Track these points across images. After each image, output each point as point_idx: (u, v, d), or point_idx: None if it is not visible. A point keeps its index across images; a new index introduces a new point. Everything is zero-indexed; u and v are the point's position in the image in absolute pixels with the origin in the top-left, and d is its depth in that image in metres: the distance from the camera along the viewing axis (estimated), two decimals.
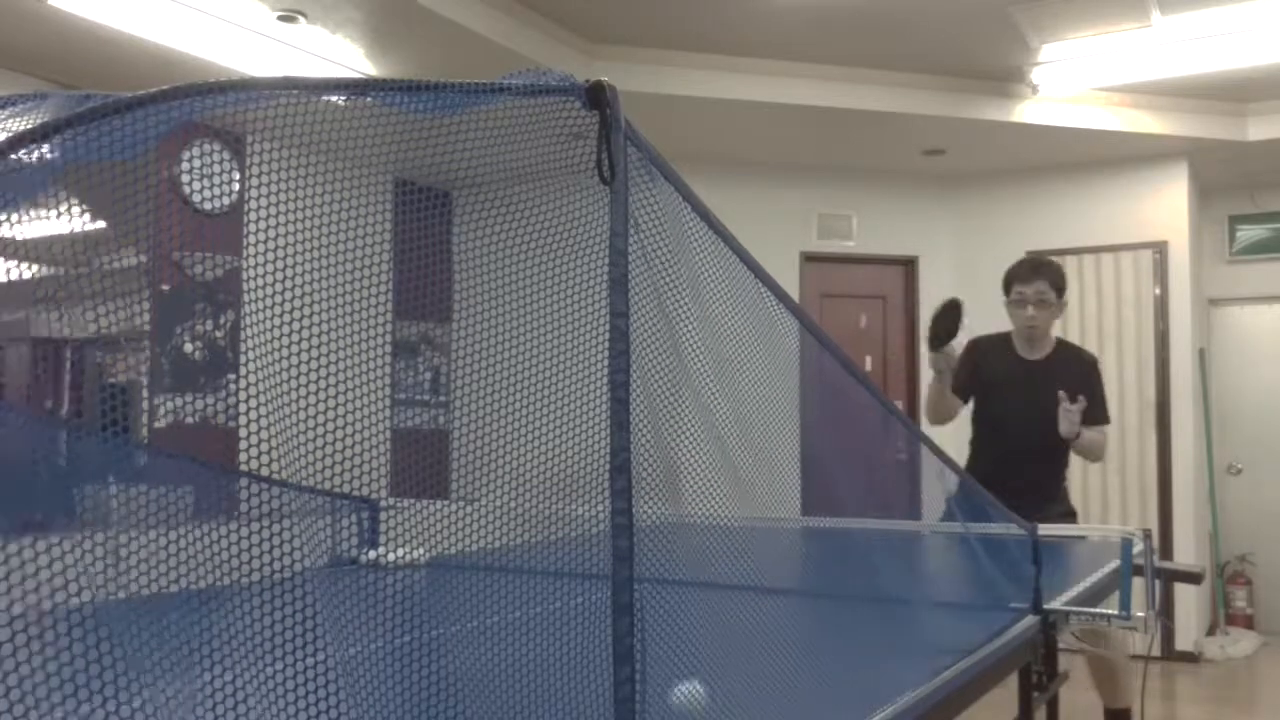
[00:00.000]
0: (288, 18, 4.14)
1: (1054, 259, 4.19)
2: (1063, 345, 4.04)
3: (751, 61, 5.27)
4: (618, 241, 1.16)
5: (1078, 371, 3.89)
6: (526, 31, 4.65)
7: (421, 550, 2.42)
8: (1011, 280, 3.97)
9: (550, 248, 1.29)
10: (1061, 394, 3.65)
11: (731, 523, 1.51)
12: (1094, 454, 3.95)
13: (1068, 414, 3.64)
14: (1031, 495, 3.33)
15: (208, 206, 4.90)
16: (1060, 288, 3.93)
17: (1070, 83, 5.40)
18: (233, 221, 5.02)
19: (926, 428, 4.16)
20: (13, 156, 0.86)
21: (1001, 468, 3.63)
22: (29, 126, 0.87)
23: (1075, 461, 6.21)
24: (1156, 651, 6.00)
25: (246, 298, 1.07)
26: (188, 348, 4.96)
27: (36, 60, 4.36)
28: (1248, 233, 6.97)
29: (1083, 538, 3.63)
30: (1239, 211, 6.96)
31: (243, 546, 1.14)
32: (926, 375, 4.24)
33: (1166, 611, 5.91)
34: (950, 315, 3.67)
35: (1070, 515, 3.98)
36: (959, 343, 3.64)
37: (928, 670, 1.74)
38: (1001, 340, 4.05)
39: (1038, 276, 3.91)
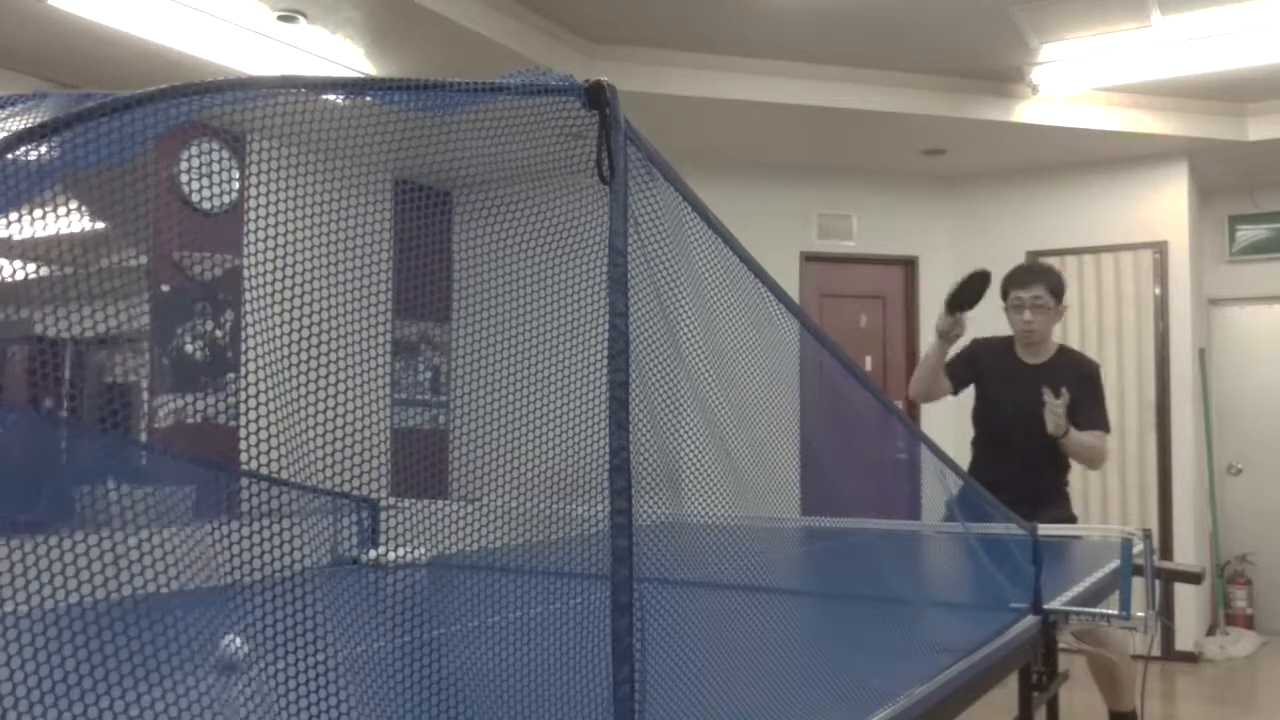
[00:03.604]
0: (288, 18, 4.14)
1: (1052, 265, 4.20)
2: (1064, 352, 4.04)
3: (751, 61, 5.27)
4: (617, 241, 1.16)
5: (1075, 378, 3.89)
6: (527, 31, 4.65)
7: (421, 550, 2.42)
8: (1009, 286, 4.00)
9: (550, 247, 1.29)
10: (1045, 390, 3.66)
11: (732, 522, 1.51)
12: (1090, 459, 3.93)
13: (1053, 409, 3.65)
14: (1029, 498, 3.31)
15: (208, 206, 4.90)
16: (1058, 293, 3.95)
17: (1070, 83, 5.40)
18: (233, 221, 5.02)
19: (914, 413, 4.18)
20: (12, 156, 0.86)
21: (999, 470, 3.64)
22: (29, 126, 0.87)
23: (1075, 463, 6.28)
24: (1156, 651, 6.00)
25: (247, 297, 1.07)
26: (188, 347, 4.96)
27: (36, 60, 4.36)
28: (1248, 233, 6.97)
29: (1082, 538, 3.63)
30: (1239, 211, 6.96)
31: (244, 546, 1.14)
32: None
33: (1166, 611, 5.91)
34: (978, 284, 3.74)
35: (1069, 521, 3.97)
36: (969, 317, 3.73)
37: (928, 670, 1.74)
38: (1004, 343, 4.08)
39: (1035, 281, 3.94)
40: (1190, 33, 4.85)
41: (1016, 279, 3.99)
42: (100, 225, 1.03)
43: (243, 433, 1.13)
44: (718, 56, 5.23)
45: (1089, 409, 3.84)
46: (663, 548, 1.25)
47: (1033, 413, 3.73)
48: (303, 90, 1.01)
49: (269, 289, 1.05)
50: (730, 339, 1.49)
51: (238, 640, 1.43)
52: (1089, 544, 3.49)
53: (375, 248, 1.37)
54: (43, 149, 0.87)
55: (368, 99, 1.08)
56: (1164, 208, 6.29)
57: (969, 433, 4.07)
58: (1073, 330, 6.40)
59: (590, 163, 1.18)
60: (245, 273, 1.08)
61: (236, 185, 4.27)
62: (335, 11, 4.12)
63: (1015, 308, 3.93)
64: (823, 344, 1.79)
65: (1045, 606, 2.34)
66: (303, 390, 1.08)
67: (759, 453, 1.54)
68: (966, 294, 3.75)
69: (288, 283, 1.07)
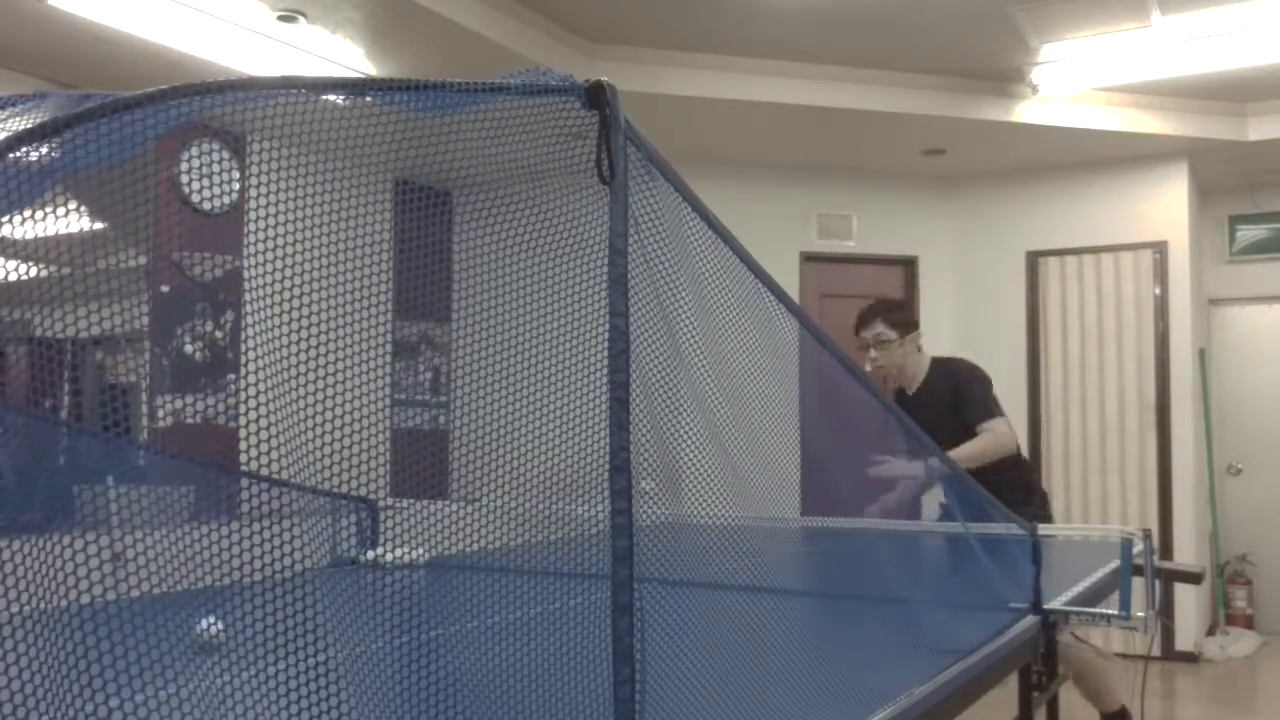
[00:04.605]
0: (288, 18, 4.14)
1: (897, 299, 4.17)
2: (936, 367, 4.03)
3: (751, 61, 5.27)
4: (617, 241, 1.16)
5: (947, 388, 3.91)
6: (527, 31, 4.65)
7: (421, 550, 2.42)
8: (854, 332, 4.03)
9: (550, 247, 1.29)
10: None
11: (731, 522, 1.51)
12: (988, 458, 3.72)
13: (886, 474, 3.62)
14: None
15: (208, 207, 4.90)
16: (900, 324, 3.96)
17: (1070, 83, 5.40)
18: (233, 221, 5.02)
19: None
20: (12, 156, 0.86)
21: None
22: (29, 126, 0.87)
23: (1074, 463, 6.29)
24: (1156, 651, 6.00)
25: (247, 298, 1.07)
26: (188, 348, 4.96)
27: (36, 60, 4.36)
28: (1248, 233, 6.97)
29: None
30: (1239, 211, 6.96)
31: (243, 546, 1.14)
32: None
33: (1166, 611, 5.91)
34: None
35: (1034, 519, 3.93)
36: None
37: (928, 670, 1.74)
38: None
39: (870, 321, 3.97)
40: (1190, 33, 4.85)
41: (856, 324, 4.02)
42: (100, 225, 1.03)
43: (243, 433, 1.13)
44: (718, 56, 5.23)
45: (965, 409, 3.84)
46: (663, 548, 1.25)
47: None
48: (303, 90, 1.02)
49: (269, 289, 1.05)
50: (730, 339, 1.49)
51: (209, 622, 1.45)
52: (1089, 544, 3.49)
53: (376, 248, 1.37)
54: (43, 149, 0.87)
55: (368, 99, 1.08)
56: (1164, 208, 6.29)
57: None
58: (1073, 330, 6.40)
59: (590, 163, 1.18)
60: (245, 273, 1.08)
61: (237, 186, 4.27)
62: (335, 11, 4.12)
63: (861, 350, 3.97)
64: (822, 344, 1.79)
65: (1045, 606, 2.34)
66: (303, 391, 1.08)
67: (759, 452, 1.54)
68: None
69: (288, 283, 1.07)
